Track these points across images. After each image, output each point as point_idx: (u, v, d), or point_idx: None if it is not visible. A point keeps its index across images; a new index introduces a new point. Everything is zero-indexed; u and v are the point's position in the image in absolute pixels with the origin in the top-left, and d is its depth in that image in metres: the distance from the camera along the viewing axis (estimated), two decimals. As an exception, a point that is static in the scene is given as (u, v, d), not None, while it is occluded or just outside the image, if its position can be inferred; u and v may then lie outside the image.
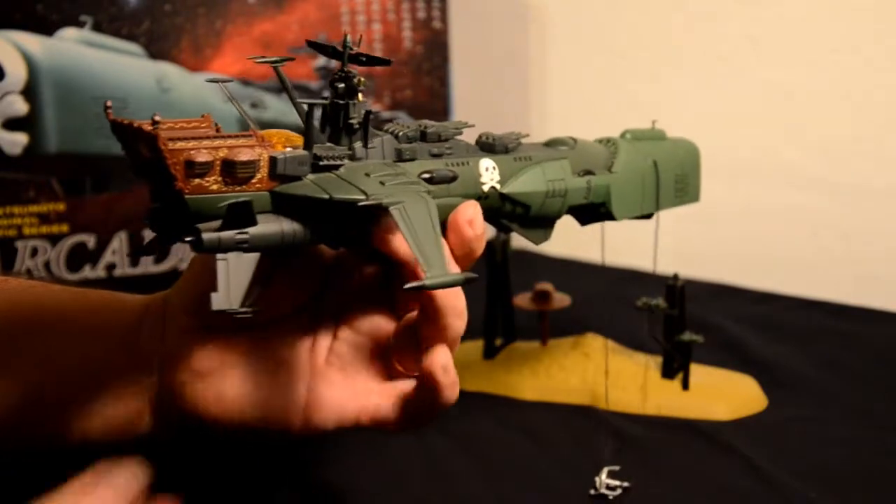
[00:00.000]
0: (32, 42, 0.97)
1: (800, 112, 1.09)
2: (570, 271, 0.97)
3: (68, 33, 0.99)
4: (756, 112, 1.11)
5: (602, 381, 0.80)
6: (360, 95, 0.51)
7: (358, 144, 0.52)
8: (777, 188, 1.11)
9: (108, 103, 0.49)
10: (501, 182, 0.57)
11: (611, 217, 0.64)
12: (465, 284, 0.49)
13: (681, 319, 0.80)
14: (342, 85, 0.51)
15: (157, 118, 0.46)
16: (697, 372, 0.80)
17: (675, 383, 0.80)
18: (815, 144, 1.08)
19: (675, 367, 0.81)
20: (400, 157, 0.53)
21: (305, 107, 0.51)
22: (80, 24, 0.99)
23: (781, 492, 0.67)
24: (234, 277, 0.47)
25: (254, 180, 0.48)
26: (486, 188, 0.56)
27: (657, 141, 0.69)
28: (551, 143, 0.63)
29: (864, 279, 1.06)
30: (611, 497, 0.67)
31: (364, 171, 0.50)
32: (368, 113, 0.51)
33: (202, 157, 0.46)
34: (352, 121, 0.51)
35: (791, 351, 0.89)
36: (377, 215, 0.51)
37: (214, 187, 0.47)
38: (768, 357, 0.87)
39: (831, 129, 1.07)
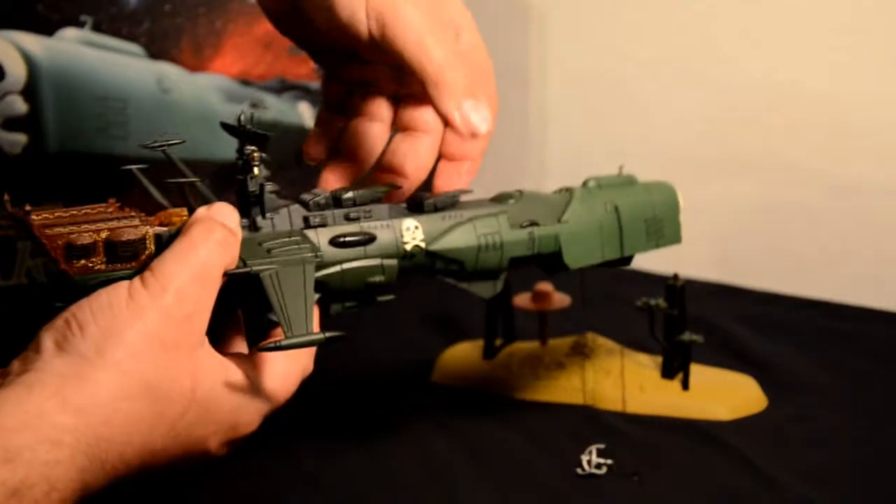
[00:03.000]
0: (32, 42, 0.97)
1: (800, 111, 1.09)
2: (570, 271, 0.97)
3: (68, 33, 0.99)
4: (756, 112, 1.11)
5: (602, 381, 0.80)
6: (255, 170, 0.54)
7: (260, 216, 0.55)
8: (777, 188, 1.11)
9: (7, 196, 0.52)
10: (427, 241, 0.58)
11: (565, 267, 0.64)
12: (326, 345, 0.52)
13: (681, 319, 0.80)
14: (240, 161, 0.54)
15: (27, 208, 0.51)
16: (697, 372, 0.80)
17: (675, 383, 0.80)
18: (814, 144, 1.08)
19: (675, 367, 0.81)
20: (308, 225, 0.56)
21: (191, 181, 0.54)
22: (80, 24, 0.99)
23: (781, 492, 0.67)
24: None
25: (142, 256, 0.51)
26: (408, 247, 0.58)
27: (624, 186, 0.68)
28: (499, 198, 0.63)
29: (864, 279, 1.06)
30: (599, 475, 0.67)
31: (258, 240, 0.54)
32: (263, 186, 0.54)
33: (83, 240, 0.50)
34: (249, 193, 0.55)
35: (791, 351, 0.89)
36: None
37: (100, 267, 0.51)
38: (768, 357, 0.87)
39: (831, 129, 1.07)
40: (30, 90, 0.97)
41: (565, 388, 0.81)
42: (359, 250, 0.57)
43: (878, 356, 0.88)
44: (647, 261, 1.05)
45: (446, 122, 0.59)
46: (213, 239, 0.51)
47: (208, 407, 0.51)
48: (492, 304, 0.85)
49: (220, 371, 0.52)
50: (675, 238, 0.70)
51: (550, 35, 1.24)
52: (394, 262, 0.57)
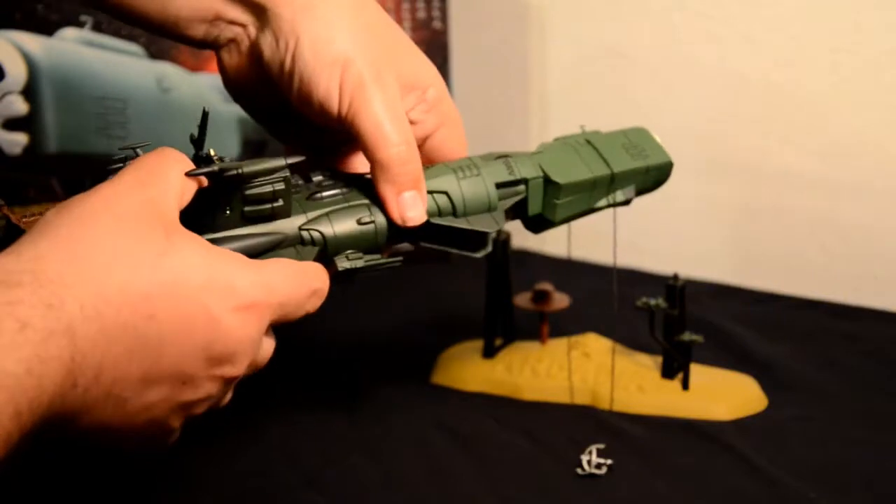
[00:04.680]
0: (32, 42, 0.97)
1: (800, 112, 1.09)
2: (570, 271, 0.97)
3: (68, 33, 0.99)
4: (756, 112, 1.11)
5: (602, 381, 0.80)
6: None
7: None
8: (777, 188, 1.11)
9: None
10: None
11: (556, 184, 0.66)
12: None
13: (681, 319, 0.80)
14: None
15: None
16: (697, 372, 0.80)
17: (675, 383, 0.80)
18: (815, 144, 1.08)
19: (675, 367, 0.81)
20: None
21: None
22: (80, 24, 0.99)
23: (781, 492, 0.67)
24: None
25: None
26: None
27: (588, 134, 0.71)
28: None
29: (864, 279, 1.06)
30: (599, 475, 0.68)
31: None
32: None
33: None
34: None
35: (791, 351, 0.89)
36: None
37: None
38: (768, 357, 0.87)
39: (831, 129, 1.07)
40: (30, 90, 0.97)
41: (565, 388, 0.81)
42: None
43: (878, 356, 0.88)
44: (648, 261, 1.06)
45: (383, 207, 0.60)
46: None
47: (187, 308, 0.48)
48: (491, 304, 0.85)
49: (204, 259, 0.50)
50: (662, 156, 0.71)
51: (550, 35, 1.24)
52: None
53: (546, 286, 0.86)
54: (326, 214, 0.59)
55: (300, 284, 0.53)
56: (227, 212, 0.54)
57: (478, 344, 0.87)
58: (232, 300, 0.50)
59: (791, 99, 1.09)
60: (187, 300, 0.48)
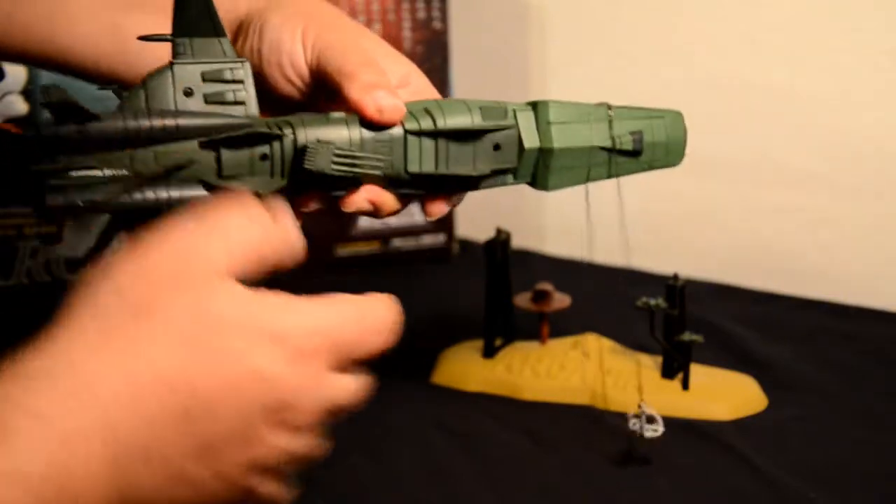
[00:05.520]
0: (32, 42, 0.97)
1: (800, 112, 1.09)
2: (570, 271, 0.97)
3: (68, 33, 0.98)
4: (756, 112, 1.11)
5: (602, 381, 0.80)
6: None
7: None
8: (777, 188, 1.11)
9: None
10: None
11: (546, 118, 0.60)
12: None
13: (681, 319, 0.80)
14: None
15: None
16: (697, 372, 0.80)
17: (675, 383, 0.80)
18: (815, 144, 1.08)
19: (675, 367, 0.81)
20: None
21: None
22: (80, 24, 0.99)
23: (781, 492, 0.67)
24: None
25: None
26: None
27: None
28: None
29: (864, 279, 1.06)
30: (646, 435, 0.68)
31: None
32: None
33: None
34: None
35: (791, 351, 0.89)
36: None
37: None
38: (768, 357, 0.87)
39: (831, 129, 1.07)
40: (30, 90, 0.97)
41: (565, 388, 0.81)
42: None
43: (879, 356, 0.88)
44: (648, 261, 1.06)
45: (359, 111, 0.57)
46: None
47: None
48: (491, 304, 0.85)
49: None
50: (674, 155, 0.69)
51: (550, 35, 1.24)
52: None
53: (546, 286, 0.86)
54: (300, 119, 0.56)
55: (359, 322, 0.50)
56: (189, 95, 0.53)
57: (478, 344, 0.87)
58: (280, 353, 0.47)
59: (791, 99, 1.09)
60: (230, 363, 0.46)
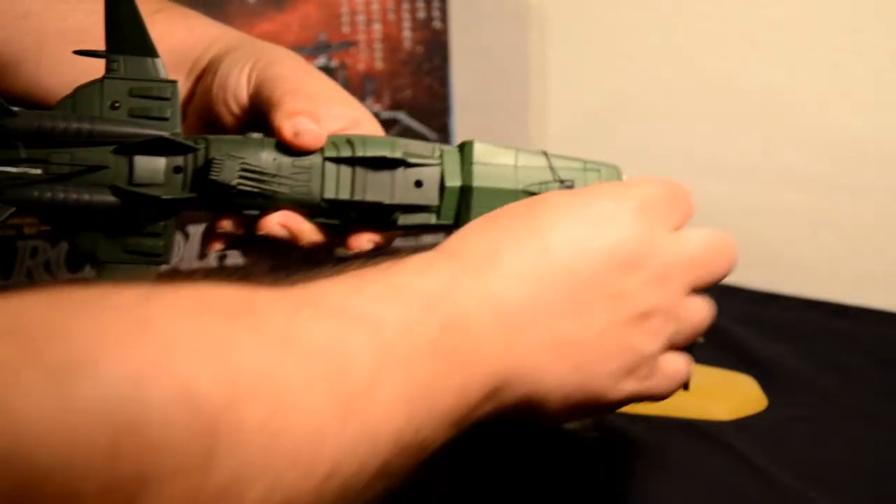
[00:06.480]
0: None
1: (800, 112, 1.09)
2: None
3: (68, 33, 0.98)
4: (756, 112, 1.11)
5: (602, 381, 0.80)
6: None
7: None
8: (777, 188, 1.11)
9: None
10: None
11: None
12: None
13: (681, 319, 0.80)
14: None
15: None
16: (697, 372, 0.80)
17: (675, 383, 0.80)
18: (815, 144, 1.08)
19: (675, 367, 0.80)
20: None
21: None
22: (80, 24, 0.99)
23: (781, 492, 0.67)
24: None
25: None
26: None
27: None
28: None
29: (864, 279, 1.06)
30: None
31: None
32: None
33: None
34: None
35: (791, 351, 0.89)
36: None
37: None
38: (768, 357, 0.87)
39: (831, 129, 1.07)
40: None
41: (565, 388, 0.81)
42: None
43: (878, 356, 0.88)
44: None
45: (277, 134, 0.58)
46: None
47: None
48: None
49: None
50: None
51: (550, 35, 1.24)
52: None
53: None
54: (218, 137, 0.57)
55: (714, 246, 0.58)
56: (115, 109, 0.55)
57: (478, 344, 0.86)
58: (627, 202, 0.52)
59: (791, 99, 1.09)
60: (580, 214, 0.51)
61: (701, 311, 0.54)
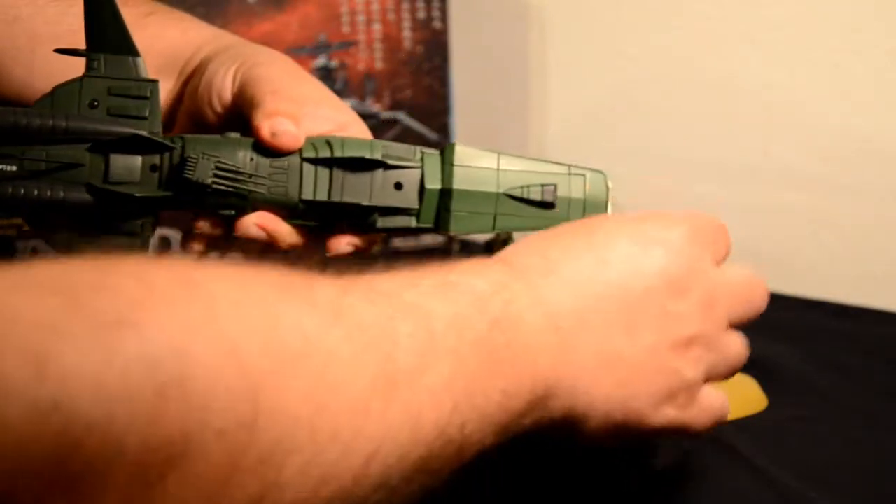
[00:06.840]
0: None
1: (800, 112, 1.09)
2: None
3: (68, 33, 0.98)
4: (756, 112, 1.11)
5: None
6: None
7: None
8: (777, 188, 1.11)
9: None
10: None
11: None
12: None
13: (681, 319, 0.80)
14: None
15: None
16: (697, 372, 0.80)
17: (675, 383, 0.80)
18: (815, 144, 1.08)
19: (675, 367, 0.80)
20: None
21: None
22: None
23: (781, 492, 0.67)
24: None
25: None
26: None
27: None
28: None
29: (864, 279, 1.06)
30: None
31: None
32: None
33: None
34: None
35: (791, 351, 0.89)
36: None
37: None
38: (768, 357, 0.87)
39: (831, 129, 1.07)
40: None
41: (565, 388, 0.81)
42: None
43: (878, 356, 0.88)
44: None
45: (255, 134, 0.57)
46: None
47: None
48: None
49: None
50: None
51: (550, 35, 1.24)
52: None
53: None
54: (195, 136, 0.57)
55: (750, 283, 0.57)
56: (93, 107, 0.55)
57: (478, 344, 0.86)
58: (680, 227, 0.53)
59: (791, 99, 1.09)
60: (635, 234, 0.52)
61: (737, 347, 0.55)
